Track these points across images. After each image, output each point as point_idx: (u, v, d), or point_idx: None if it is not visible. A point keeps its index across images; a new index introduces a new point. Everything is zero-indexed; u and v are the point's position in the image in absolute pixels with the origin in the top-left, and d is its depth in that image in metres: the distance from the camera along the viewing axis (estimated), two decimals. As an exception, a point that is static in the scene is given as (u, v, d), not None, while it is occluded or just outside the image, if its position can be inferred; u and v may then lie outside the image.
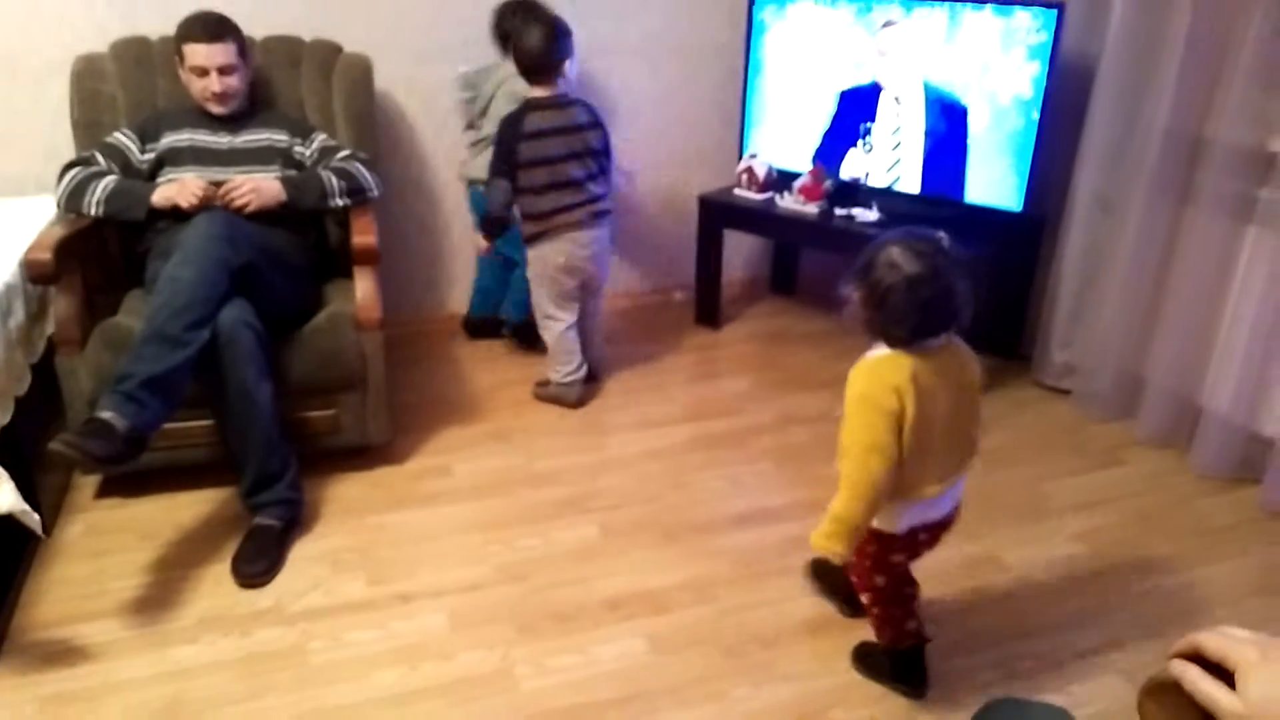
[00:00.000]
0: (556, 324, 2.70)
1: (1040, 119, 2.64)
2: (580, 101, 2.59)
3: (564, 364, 2.73)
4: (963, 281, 1.53)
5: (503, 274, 3.07)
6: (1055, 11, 2.55)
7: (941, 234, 1.58)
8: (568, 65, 2.54)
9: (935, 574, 2.06)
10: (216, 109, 2.38)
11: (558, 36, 2.49)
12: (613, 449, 2.57)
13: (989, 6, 2.68)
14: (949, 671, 1.81)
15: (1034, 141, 2.66)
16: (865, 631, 1.84)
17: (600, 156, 2.60)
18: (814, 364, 3.09)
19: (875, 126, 2.99)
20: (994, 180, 2.77)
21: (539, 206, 2.55)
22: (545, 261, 2.62)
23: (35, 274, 2.08)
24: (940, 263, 1.52)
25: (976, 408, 1.67)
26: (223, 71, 2.33)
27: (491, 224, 2.63)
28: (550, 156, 2.51)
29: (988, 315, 2.99)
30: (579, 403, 2.76)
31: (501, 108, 2.72)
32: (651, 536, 2.20)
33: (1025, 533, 2.23)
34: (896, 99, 2.94)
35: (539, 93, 2.52)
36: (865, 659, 1.83)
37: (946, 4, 2.75)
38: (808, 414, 2.76)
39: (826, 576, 1.99)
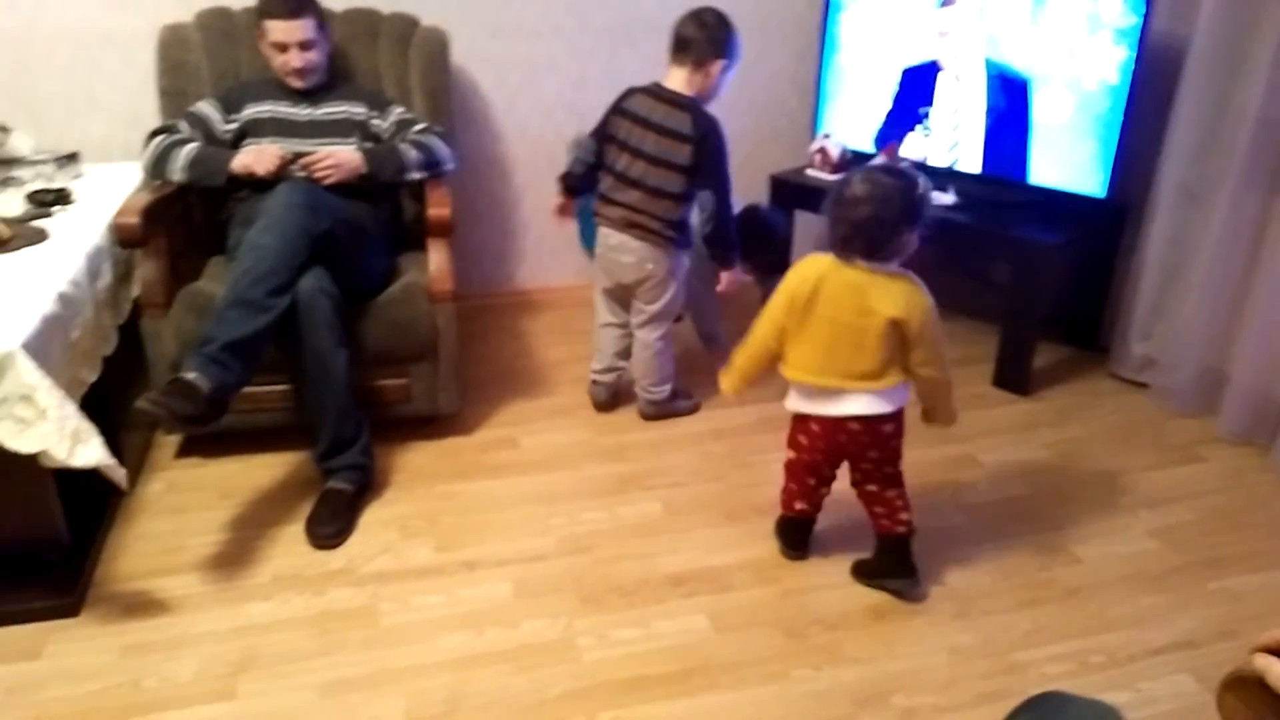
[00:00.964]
0: (597, 316, 2.59)
1: (1127, 103, 2.55)
2: (694, 110, 2.29)
3: (594, 360, 2.62)
4: (903, 222, 1.72)
5: None
6: (1145, -9, 2.46)
7: (919, 176, 1.76)
8: (714, 68, 2.31)
9: (1005, 564, 2.04)
10: (296, 83, 2.42)
11: (715, 23, 2.29)
12: (676, 427, 2.57)
13: (1077, -15, 2.59)
14: (1016, 664, 1.79)
15: (1120, 126, 2.57)
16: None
17: (674, 172, 2.31)
18: (882, 348, 3.05)
19: (934, 108, 2.93)
20: (1076, 165, 2.68)
21: (600, 186, 2.42)
22: (598, 242, 2.48)
23: (124, 237, 2.15)
24: (881, 194, 1.71)
25: (872, 341, 1.76)
26: (302, 47, 2.37)
27: (563, 179, 2.51)
28: (625, 142, 2.34)
29: (1066, 303, 2.97)
30: (602, 406, 2.62)
31: None
32: (714, 515, 2.20)
33: (1098, 526, 2.18)
34: (956, 77, 2.87)
35: (668, 82, 2.33)
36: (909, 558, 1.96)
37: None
38: (875, 398, 2.73)
39: (873, 569, 1.99)
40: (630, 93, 2.37)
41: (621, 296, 2.52)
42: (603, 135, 2.40)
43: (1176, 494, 2.30)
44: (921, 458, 2.43)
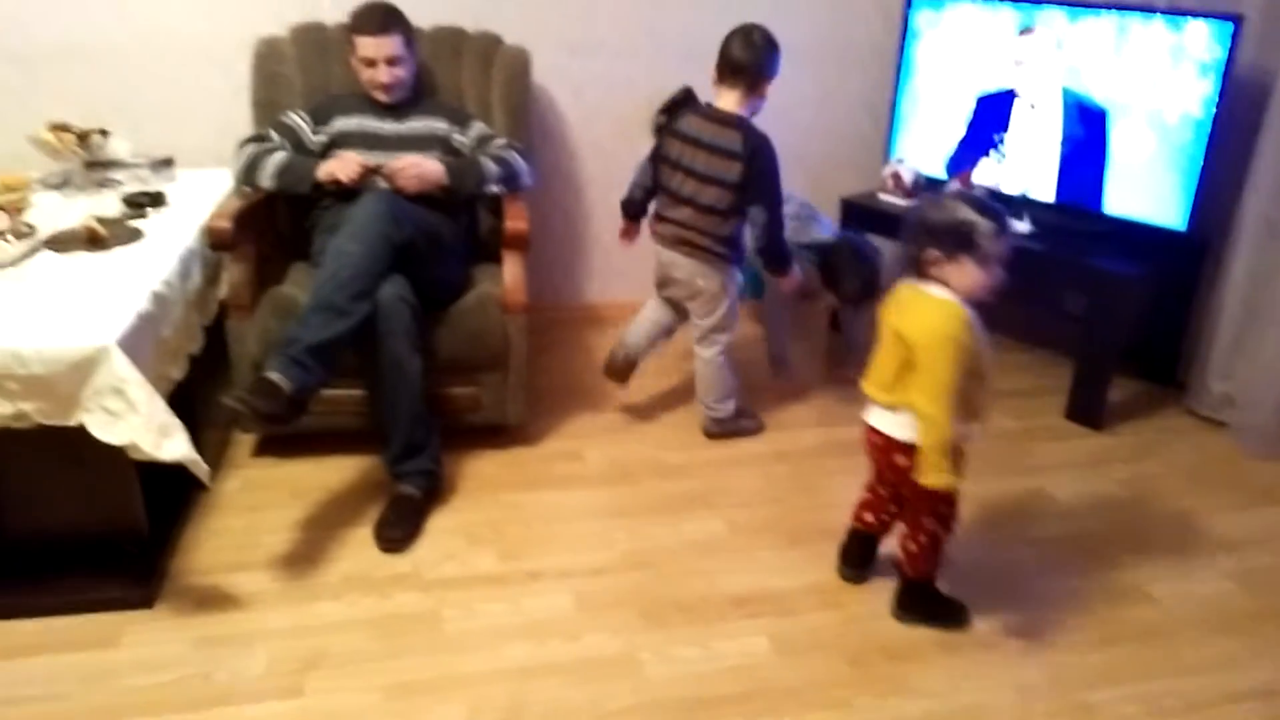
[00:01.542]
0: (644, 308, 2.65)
1: (1210, 137, 2.50)
2: (745, 128, 2.31)
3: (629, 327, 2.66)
4: (939, 245, 1.69)
5: None
6: (1232, 24, 2.41)
7: (978, 207, 1.70)
8: (766, 89, 2.35)
9: (1077, 601, 2.00)
10: (383, 97, 2.48)
11: (762, 43, 2.30)
12: (740, 447, 2.57)
13: (1159, 17, 2.55)
14: (1086, 704, 1.75)
15: (1202, 159, 2.52)
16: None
17: (725, 189, 2.32)
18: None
19: (1008, 135, 2.91)
20: (1155, 196, 2.63)
21: (656, 203, 2.49)
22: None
23: (215, 241, 2.23)
24: (923, 215, 1.74)
25: (885, 351, 1.80)
26: (390, 63, 2.43)
27: (625, 205, 2.57)
28: (677, 162, 2.37)
29: (1142, 337, 2.90)
30: (608, 368, 2.65)
31: None
32: (778, 537, 2.19)
33: (1174, 566, 2.13)
34: (1031, 106, 2.84)
35: (719, 102, 2.35)
36: (917, 604, 1.92)
37: (1114, 13, 2.64)
38: (942, 427, 2.70)
39: (920, 606, 1.95)
40: (681, 113, 2.39)
41: (675, 305, 2.58)
42: (657, 157, 2.44)
43: (1256, 537, 2.23)
44: (991, 489, 2.39)
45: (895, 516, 1.98)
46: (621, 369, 2.66)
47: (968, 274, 1.69)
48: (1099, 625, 1.94)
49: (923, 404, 1.70)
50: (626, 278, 3.36)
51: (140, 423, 1.70)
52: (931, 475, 1.72)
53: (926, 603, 1.93)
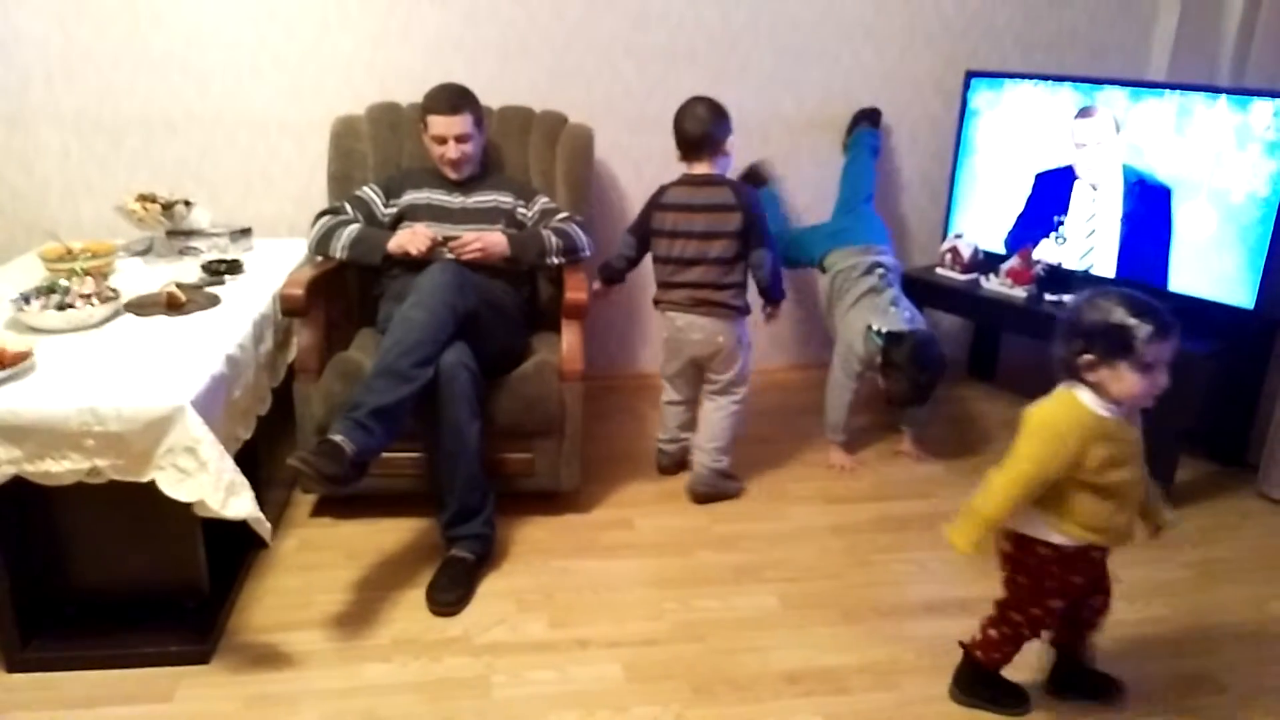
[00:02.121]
0: (664, 395, 2.69)
1: (1278, 214, 2.46)
2: (729, 183, 2.48)
3: (660, 429, 2.73)
4: (1080, 342, 1.63)
5: None
6: (1298, 102, 2.40)
7: (1129, 308, 1.61)
8: (728, 147, 2.49)
9: (1145, 689, 1.92)
10: (452, 174, 2.59)
11: (708, 116, 2.43)
12: (794, 520, 2.54)
13: (1224, 97, 2.54)
14: (1159, 800, 1.66)
15: (1270, 237, 2.48)
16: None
17: (726, 240, 2.43)
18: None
19: (1069, 215, 2.90)
20: (1222, 274, 2.59)
21: (658, 275, 2.55)
22: (662, 330, 2.60)
23: (288, 307, 2.32)
24: (1070, 313, 1.67)
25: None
26: (459, 140, 2.55)
27: (603, 269, 2.65)
28: (670, 230, 2.47)
29: (1211, 417, 2.82)
30: (665, 470, 2.73)
31: None
32: (831, 613, 2.15)
33: (1246, 654, 2.03)
34: (1092, 185, 2.83)
35: (693, 170, 2.48)
36: (978, 688, 1.86)
37: (1175, 93, 2.64)
38: (1002, 504, 2.64)
39: (981, 690, 1.88)
40: (664, 189, 2.51)
41: (690, 374, 2.61)
42: (645, 231, 2.54)
43: (1335, 627, 2.13)
44: (1052, 570, 2.33)
45: (1076, 627, 1.87)
46: (672, 467, 2.75)
47: (1124, 380, 1.59)
48: (1168, 715, 1.86)
49: (994, 476, 1.68)
50: (681, 348, 3.40)
51: (209, 481, 1.75)
52: (955, 533, 1.70)
53: (988, 686, 1.86)
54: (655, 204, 2.51)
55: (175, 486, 1.77)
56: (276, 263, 2.62)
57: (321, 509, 2.50)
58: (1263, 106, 2.46)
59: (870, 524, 2.53)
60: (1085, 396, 1.64)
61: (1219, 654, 2.04)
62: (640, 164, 3.17)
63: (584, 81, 3.07)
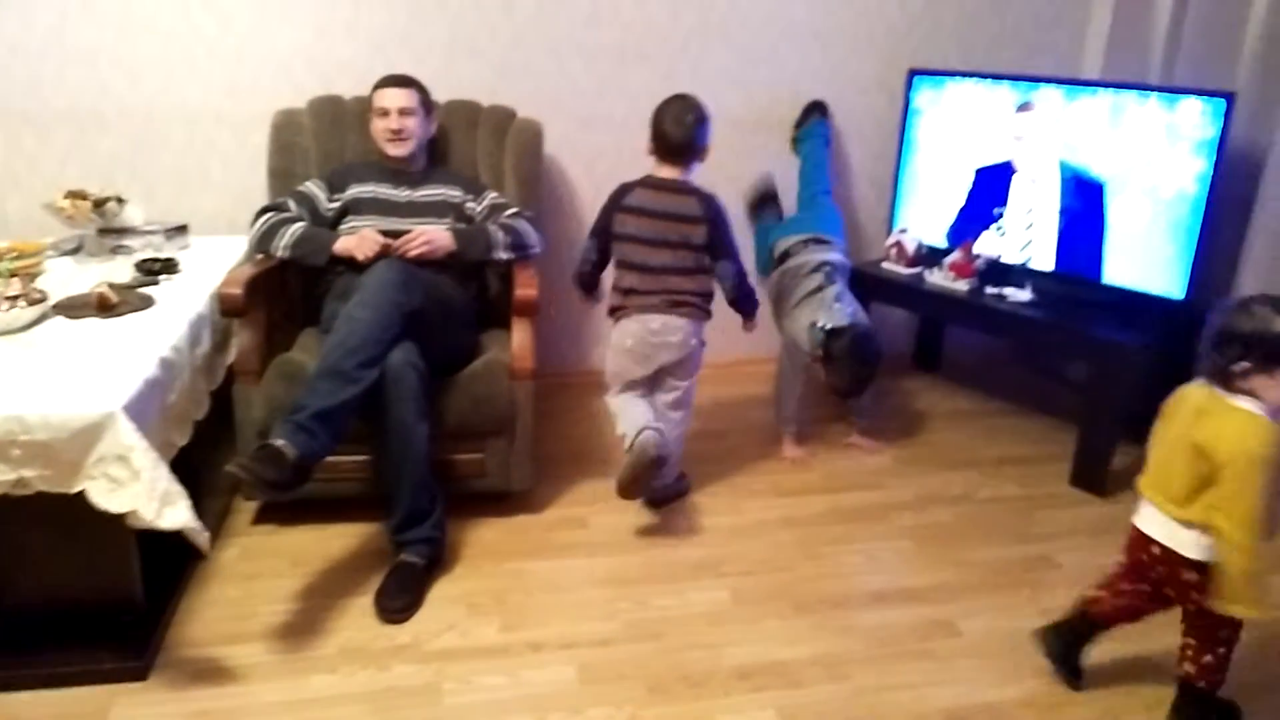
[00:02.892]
0: (614, 399, 2.52)
1: (1206, 209, 2.54)
2: (698, 192, 2.40)
3: (623, 424, 2.44)
4: (1248, 354, 1.61)
5: None
6: (1225, 101, 2.46)
7: (1263, 305, 1.63)
8: (705, 156, 2.43)
9: (1089, 672, 1.96)
10: (393, 150, 2.54)
11: (693, 122, 2.37)
12: (747, 514, 2.55)
13: (1154, 95, 2.61)
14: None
15: (1199, 231, 2.56)
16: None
17: (696, 252, 2.40)
18: (957, 443, 3.01)
19: (1008, 208, 2.95)
20: (1154, 267, 2.66)
21: (620, 282, 2.45)
22: (616, 339, 2.47)
23: (227, 307, 2.25)
24: (1226, 321, 1.65)
25: (1180, 462, 1.70)
26: (402, 112, 2.52)
27: (577, 281, 2.56)
28: (639, 236, 2.40)
29: (1146, 404, 2.89)
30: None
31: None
32: (784, 606, 2.16)
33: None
34: (1031, 179, 2.89)
35: (660, 173, 2.42)
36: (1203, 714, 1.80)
37: (1109, 91, 2.70)
38: (950, 494, 2.69)
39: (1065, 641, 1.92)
40: (626, 189, 2.43)
41: (647, 382, 2.49)
42: (606, 234, 2.45)
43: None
44: (999, 557, 2.38)
45: (1131, 617, 1.89)
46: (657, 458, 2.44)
47: (1265, 388, 1.60)
48: (1110, 696, 1.90)
49: (1230, 530, 1.60)
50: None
51: (142, 490, 1.69)
52: (1239, 606, 1.64)
53: (1215, 711, 1.83)
54: (617, 206, 2.43)
55: (107, 497, 1.71)
56: (214, 261, 2.55)
57: (264, 516, 2.44)
58: (1190, 105, 2.53)
59: (821, 516, 2.54)
60: (1255, 407, 1.62)
61: (1158, 636, 2.08)
62: (591, 160, 3.15)
63: (533, 78, 3.04)
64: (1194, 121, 2.53)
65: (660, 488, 2.52)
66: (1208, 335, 1.66)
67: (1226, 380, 1.64)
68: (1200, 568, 1.68)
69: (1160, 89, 2.64)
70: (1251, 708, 1.85)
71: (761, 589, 2.22)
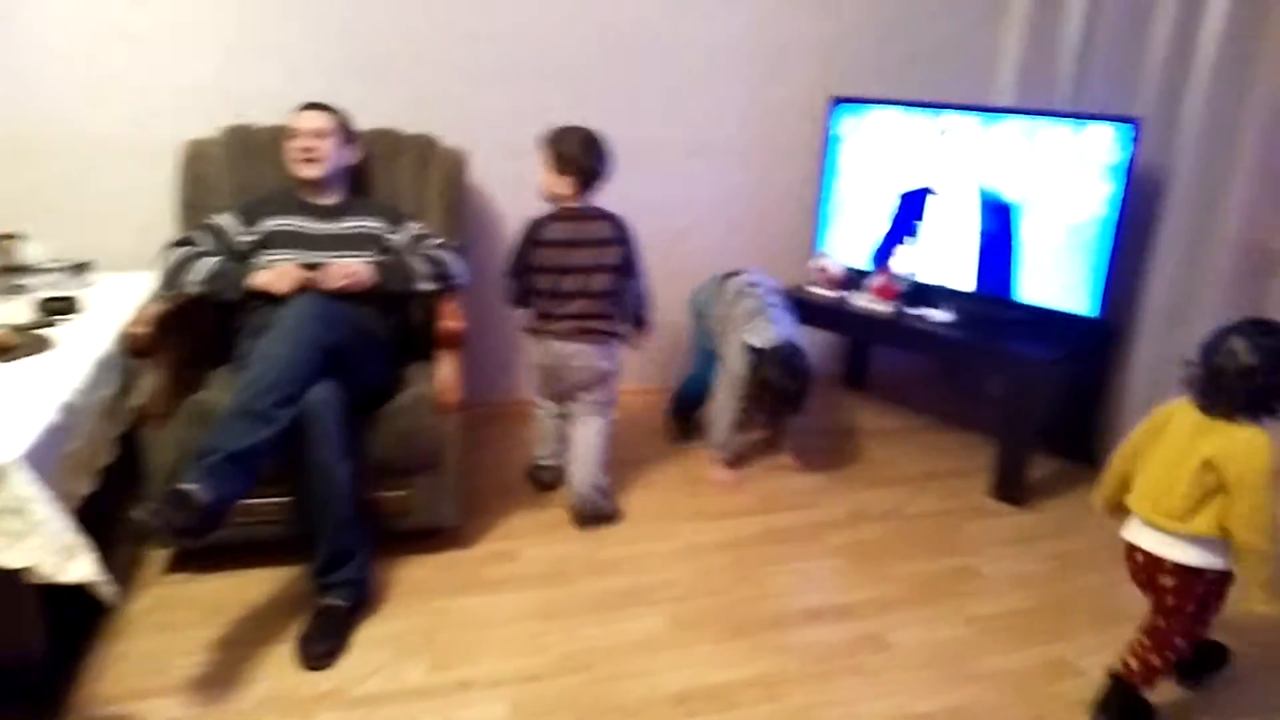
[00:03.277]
0: (540, 410, 2.75)
1: (1116, 230, 2.64)
2: (610, 217, 2.53)
3: (540, 446, 2.76)
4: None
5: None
6: (1132, 127, 2.57)
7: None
8: (601, 182, 2.54)
9: (1013, 678, 2.00)
10: (304, 171, 2.48)
11: (598, 150, 2.49)
12: (680, 539, 2.54)
13: (1065, 121, 2.71)
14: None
15: (1109, 250, 2.65)
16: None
17: (607, 273, 2.51)
18: (885, 460, 3.05)
19: (926, 226, 3.03)
20: (1067, 285, 2.76)
21: (539, 307, 2.56)
22: (536, 356, 2.61)
23: (134, 347, 2.15)
24: (1271, 361, 1.69)
25: (1185, 478, 1.75)
26: (314, 134, 2.48)
27: (520, 303, 2.63)
28: (554, 265, 2.50)
29: (1061, 417, 2.99)
30: (548, 486, 2.75)
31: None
32: (719, 630, 2.15)
33: (1099, 639, 2.15)
34: (949, 203, 2.98)
35: (572, 203, 2.50)
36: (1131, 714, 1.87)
37: (1022, 117, 2.80)
38: (879, 510, 2.72)
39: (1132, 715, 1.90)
40: (541, 224, 2.51)
41: (564, 395, 2.66)
42: (524, 269, 2.54)
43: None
44: (924, 569, 2.42)
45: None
46: (554, 483, 2.77)
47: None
48: (1036, 702, 1.94)
49: (1256, 540, 1.67)
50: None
51: (42, 544, 1.61)
52: (1264, 605, 1.70)
53: (1142, 713, 1.88)
54: (535, 240, 2.51)
55: (4, 552, 1.61)
56: (121, 299, 2.45)
57: (178, 564, 2.33)
58: (1098, 130, 2.63)
59: (755, 538, 2.55)
60: (1254, 423, 1.70)
61: (1079, 639, 2.15)
62: (517, 188, 3.11)
63: (455, 106, 3.01)
64: (1103, 146, 2.63)
65: (599, 489, 2.61)
66: (1260, 365, 1.67)
67: (1265, 409, 1.70)
68: (1178, 572, 1.76)
69: (1070, 115, 2.74)
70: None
71: (696, 613, 2.21)
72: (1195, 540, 1.73)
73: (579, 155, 2.47)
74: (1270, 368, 1.66)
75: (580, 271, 2.50)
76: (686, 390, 3.09)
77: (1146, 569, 1.82)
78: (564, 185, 2.49)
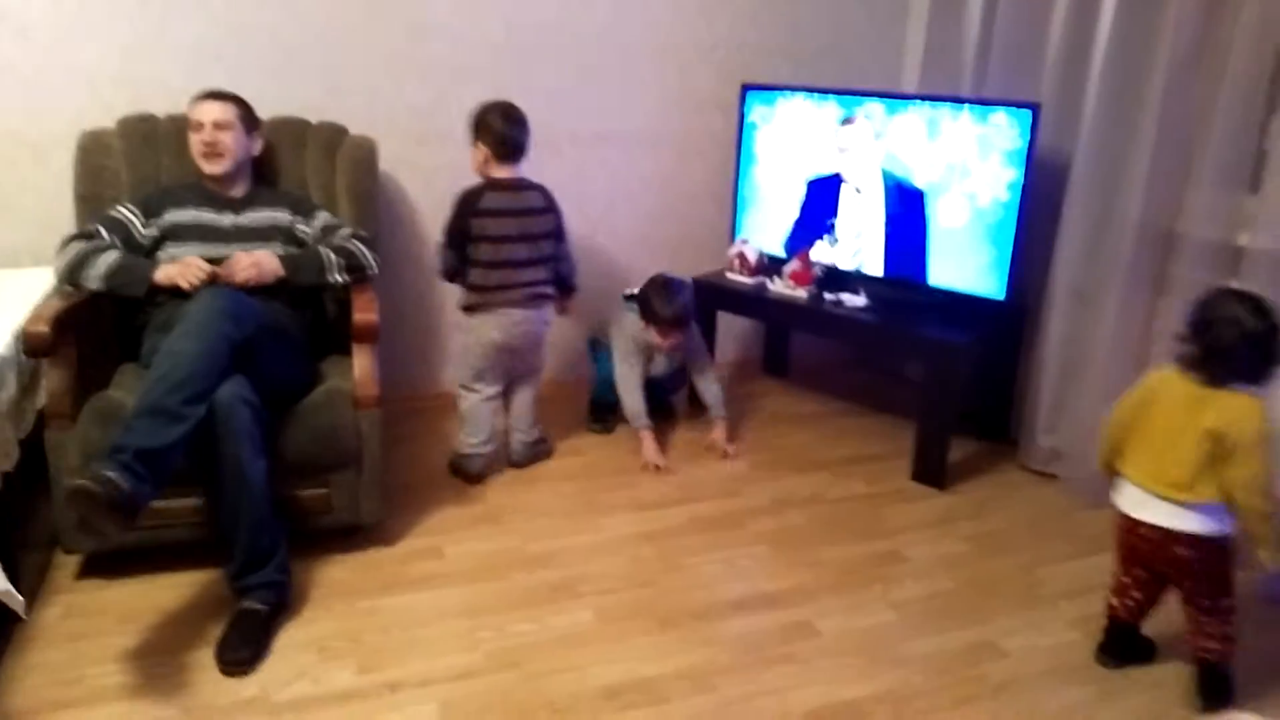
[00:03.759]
0: (473, 395, 2.75)
1: (1019, 214, 2.72)
2: (538, 187, 2.67)
3: (470, 434, 2.76)
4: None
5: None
6: (1030, 112, 2.66)
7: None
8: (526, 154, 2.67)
9: (937, 660, 2.06)
10: (209, 167, 2.40)
11: (522, 122, 2.61)
12: (606, 531, 2.54)
13: (966, 108, 2.79)
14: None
15: (1014, 234, 2.74)
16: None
17: (548, 240, 2.68)
18: (808, 446, 3.10)
19: (838, 218, 3.09)
20: (976, 269, 2.84)
21: (485, 280, 2.62)
22: (479, 334, 2.68)
23: (32, 346, 2.05)
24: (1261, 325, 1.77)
25: (1186, 448, 1.83)
26: (216, 126, 2.39)
27: (443, 277, 2.72)
28: (500, 235, 2.59)
29: (976, 399, 3.09)
30: (478, 477, 2.77)
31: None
32: (647, 622, 2.16)
33: (1022, 619, 2.22)
34: (857, 189, 3.04)
35: (502, 174, 2.60)
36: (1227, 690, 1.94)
37: (926, 104, 2.86)
38: (803, 496, 2.77)
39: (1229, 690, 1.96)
40: (477, 194, 2.60)
41: (509, 370, 2.78)
42: (464, 239, 2.60)
43: (1093, 583, 2.35)
44: (849, 554, 2.46)
45: (1141, 604, 2.03)
46: (484, 472, 2.81)
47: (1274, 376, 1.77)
48: (960, 684, 2.00)
49: (1260, 503, 1.75)
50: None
51: (-60, 554, 1.53)
52: (1270, 559, 1.79)
53: (1230, 685, 1.95)
54: (472, 211, 2.58)
55: (-102, 565, 1.53)
56: (17, 297, 2.33)
57: (89, 570, 2.24)
58: (1000, 116, 2.71)
59: (680, 528, 2.57)
60: (1248, 388, 1.78)
61: (999, 619, 2.22)
62: (429, 176, 3.08)
63: (364, 95, 2.94)
64: (1005, 131, 2.71)
65: (527, 455, 2.88)
66: (1263, 338, 1.76)
67: (1258, 378, 1.78)
68: (1194, 542, 1.84)
69: (972, 101, 2.82)
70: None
71: (624, 606, 2.22)
72: (1202, 508, 1.82)
73: (507, 129, 2.58)
74: (1271, 329, 1.75)
75: (527, 240, 2.63)
76: (598, 393, 3.15)
77: (1158, 544, 1.89)
78: (496, 159, 2.60)
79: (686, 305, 2.87)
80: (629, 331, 2.94)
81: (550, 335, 2.87)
